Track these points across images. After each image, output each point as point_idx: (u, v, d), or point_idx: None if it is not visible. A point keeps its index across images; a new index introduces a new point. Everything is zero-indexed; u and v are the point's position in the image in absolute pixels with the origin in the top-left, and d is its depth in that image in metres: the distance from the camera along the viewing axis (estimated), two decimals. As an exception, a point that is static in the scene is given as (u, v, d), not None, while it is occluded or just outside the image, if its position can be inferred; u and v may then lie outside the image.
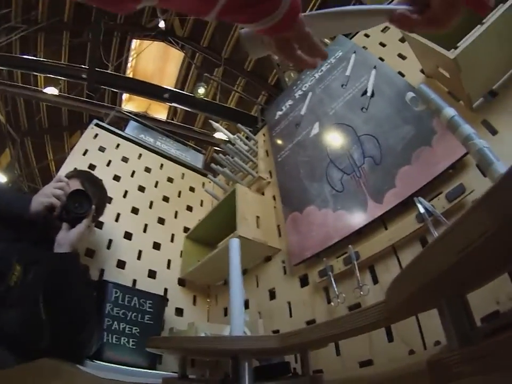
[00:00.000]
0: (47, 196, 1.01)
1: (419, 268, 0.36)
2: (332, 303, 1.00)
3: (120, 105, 4.99)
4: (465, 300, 0.41)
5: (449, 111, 0.74)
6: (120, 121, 2.40)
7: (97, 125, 1.88)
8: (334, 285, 1.00)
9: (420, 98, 0.91)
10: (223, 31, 5.99)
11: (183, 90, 5.77)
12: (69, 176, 1.21)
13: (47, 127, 5.88)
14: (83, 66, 4.94)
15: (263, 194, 1.56)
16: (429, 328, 0.77)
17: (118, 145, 1.86)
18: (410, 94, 1.09)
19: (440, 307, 0.40)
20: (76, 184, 1.15)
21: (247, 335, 0.85)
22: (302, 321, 1.11)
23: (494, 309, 0.68)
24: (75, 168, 1.51)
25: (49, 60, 5.09)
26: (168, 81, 6.54)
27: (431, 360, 0.36)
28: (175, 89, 5.29)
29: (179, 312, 1.50)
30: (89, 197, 1.06)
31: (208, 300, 1.62)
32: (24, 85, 5.39)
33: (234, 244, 0.89)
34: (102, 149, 1.78)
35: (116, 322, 1.16)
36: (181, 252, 1.65)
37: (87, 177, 1.26)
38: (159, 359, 1.23)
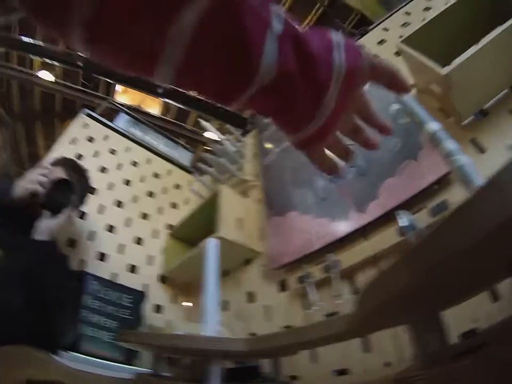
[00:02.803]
0: (31, 182, 0.99)
1: (380, 287, 0.36)
2: (309, 310, 0.99)
3: (114, 97, 4.94)
4: (437, 319, 0.40)
5: (433, 125, 0.74)
6: (112, 113, 2.38)
7: (88, 114, 1.87)
8: (312, 292, 1.00)
9: (404, 111, 0.91)
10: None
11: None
12: (54, 163, 1.20)
13: (39, 113, 5.80)
14: (80, 53, 4.87)
15: (247, 196, 1.56)
16: (406, 341, 0.76)
17: (106, 137, 1.84)
18: (394, 106, 1.09)
19: (408, 325, 0.40)
20: (60, 172, 1.14)
21: (216, 336, 0.84)
22: (278, 326, 1.10)
23: (473, 326, 0.68)
24: (64, 157, 1.49)
25: (47, 44, 5.01)
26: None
27: (397, 377, 0.36)
28: (169, 85, 5.19)
29: (158, 309, 1.49)
30: (73, 186, 1.06)
31: (188, 299, 1.61)
32: (19, 68, 5.30)
33: (211, 244, 0.88)
34: (90, 139, 1.76)
35: (93, 315, 1.15)
36: (163, 248, 1.64)
37: (71, 165, 1.24)
38: (136, 355, 1.22)
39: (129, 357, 1.16)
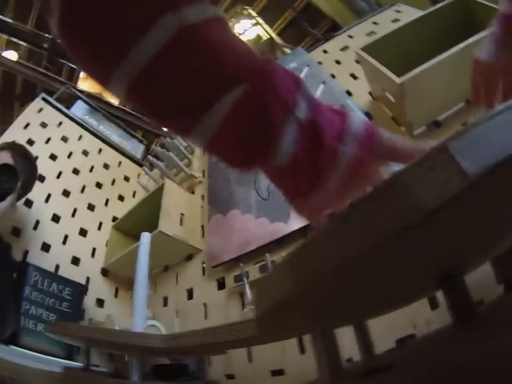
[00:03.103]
0: None
1: (266, 293, 0.33)
2: (245, 309, 1.00)
3: (76, 83, 4.80)
4: (359, 328, 0.40)
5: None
6: (71, 99, 2.31)
7: (44, 99, 1.81)
8: (248, 291, 1.00)
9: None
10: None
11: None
12: (1, 148, 1.17)
13: (-1, 93, 5.58)
14: (47, 35, 4.70)
15: (193, 193, 1.54)
16: (342, 344, 0.76)
17: (60, 123, 1.79)
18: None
19: (313, 335, 0.38)
20: (6, 157, 1.12)
21: (139, 331, 0.83)
22: (216, 324, 1.10)
23: (411, 332, 0.69)
24: (13, 141, 1.44)
25: (15, 22, 4.79)
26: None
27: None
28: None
29: (100, 303, 1.45)
30: (17, 173, 1.03)
31: (130, 293, 1.58)
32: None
33: (145, 238, 0.88)
34: (44, 125, 1.70)
35: (33, 307, 1.11)
36: (107, 241, 1.60)
37: (19, 150, 1.21)
38: (77, 350, 1.18)
39: (70, 353, 1.13)
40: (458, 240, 0.27)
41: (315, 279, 0.25)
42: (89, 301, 1.38)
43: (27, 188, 1.23)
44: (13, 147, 1.21)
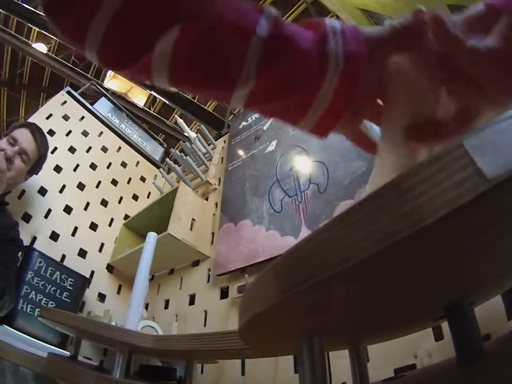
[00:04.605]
0: None
1: (248, 303, 0.30)
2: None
3: (102, 80, 4.88)
4: (355, 351, 0.38)
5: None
6: (97, 95, 2.35)
7: (68, 92, 1.84)
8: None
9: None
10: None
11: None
12: (18, 125, 1.24)
13: (26, 83, 5.69)
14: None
15: (207, 199, 1.55)
16: (338, 368, 0.73)
17: (82, 118, 1.82)
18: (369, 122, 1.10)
19: (299, 354, 0.32)
20: (25, 132, 1.19)
21: (127, 328, 0.83)
22: (215, 332, 1.10)
23: (411, 362, 0.67)
24: (27, 121, 1.47)
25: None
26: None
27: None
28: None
29: (102, 298, 1.46)
30: None
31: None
32: (15, 34, 5.18)
33: (151, 237, 0.88)
34: (66, 117, 1.73)
35: (33, 292, 1.12)
36: (116, 238, 1.62)
37: (36, 127, 1.27)
38: (70, 340, 1.19)
39: (63, 342, 1.14)
40: (468, 262, 0.23)
41: (297, 291, 0.22)
42: (91, 295, 1.39)
43: (39, 165, 1.27)
44: (29, 124, 1.27)
